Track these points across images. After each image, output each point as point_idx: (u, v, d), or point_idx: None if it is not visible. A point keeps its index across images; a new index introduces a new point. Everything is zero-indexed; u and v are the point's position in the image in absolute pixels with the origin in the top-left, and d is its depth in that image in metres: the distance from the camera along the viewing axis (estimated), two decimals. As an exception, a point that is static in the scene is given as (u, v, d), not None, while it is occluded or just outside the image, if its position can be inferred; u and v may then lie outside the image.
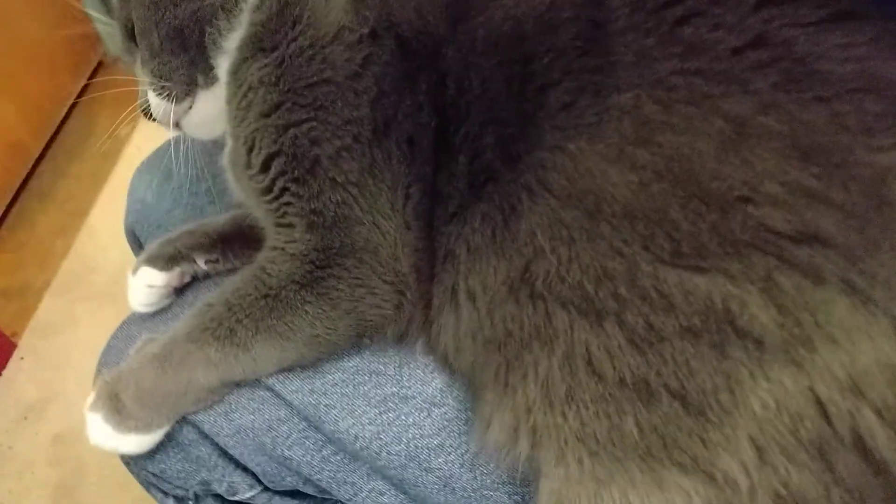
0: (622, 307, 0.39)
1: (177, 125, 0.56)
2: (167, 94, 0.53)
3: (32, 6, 1.80)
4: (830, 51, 0.39)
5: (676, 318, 0.38)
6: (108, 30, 0.62)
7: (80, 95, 1.85)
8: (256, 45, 0.52)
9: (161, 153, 0.73)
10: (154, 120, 0.56)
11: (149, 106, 0.56)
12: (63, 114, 1.86)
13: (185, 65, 0.53)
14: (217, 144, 0.59)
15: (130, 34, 0.55)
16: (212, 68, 0.54)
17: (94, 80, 1.91)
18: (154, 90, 0.54)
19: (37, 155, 1.77)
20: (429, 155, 0.48)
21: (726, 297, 0.36)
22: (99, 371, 0.59)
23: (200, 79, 0.54)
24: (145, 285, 0.58)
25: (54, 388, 1.35)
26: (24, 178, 1.73)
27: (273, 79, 0.50)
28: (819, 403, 0.35)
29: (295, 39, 0.51)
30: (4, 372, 1.38)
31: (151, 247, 0.60)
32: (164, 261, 0.59)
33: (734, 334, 0.36)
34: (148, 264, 0.58)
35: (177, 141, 0.69)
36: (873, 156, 0.36)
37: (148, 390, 0.50)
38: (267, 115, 0.50)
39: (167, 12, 0.52)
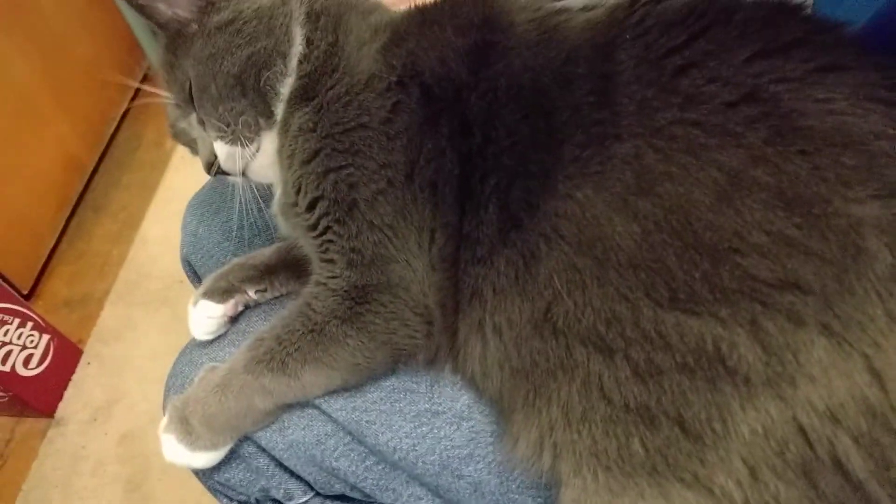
0: (628, 345, 0.43)
1: (243, 173, 0.60)
2: (235, 139, 0.57)
3: (82, 25, 1.89)
4: (812, 106, 0.41)
5: (673, 356, 0.42)
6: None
7: (127, 109, 1.94)
8: (301, 96, 0.57)
9: (210, 190, 0.80)
10: (215, 174, 0.61)
11: (209, 155, 0.60)
12: (113, 127, 1.96)
13: (247, 109, 0.57)
14: (264, 184, 0.65)
15: (189, 96, 0.59)
16: (271, 112, 0.58)
17: (140, 93, 2.00)
18: (222, 138, 0.58)
19: (91, 168, 1.87)
20: (452, 202, 0.52)
21: (717, 339, 0.40)
22: (166, 393, 0.65)
23: (262, 121, 0.58)
24: (205, 317, 0.64)
25: (119, 390, 1.44)
26: (81, 192, 1.83)
27: (312, 125, 0.55)
28: (802, 430, 0.39)
29: (332, 87, 0.56)
30: (73, 377, 1.48)
31: (207, 282, 0.66)
32: (220, 294, 0.65)
33: (724, 371, 0.40)
34: (206, 298, 0.64)
35: (223, 178, 0.76)
36: (850, 207, 0.39)
37: (213, 415, 0.56)
38: (308, 162, 0.55)
39: (224, 61, 0.56)
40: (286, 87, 0.58)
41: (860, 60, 0.43)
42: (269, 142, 0.59)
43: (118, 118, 1.98)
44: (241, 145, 0.58)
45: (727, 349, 0.40)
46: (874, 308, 0.37)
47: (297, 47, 0.58)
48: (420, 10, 0.59)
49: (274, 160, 0.60)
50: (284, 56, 0.58)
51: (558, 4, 0.57)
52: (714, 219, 0.42)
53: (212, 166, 0.60)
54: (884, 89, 0.42)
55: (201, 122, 0.60)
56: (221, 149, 0.59)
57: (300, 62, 0.58)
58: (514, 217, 0.50)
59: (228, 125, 0.57)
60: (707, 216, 0.42)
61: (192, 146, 0.64)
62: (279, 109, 0.58)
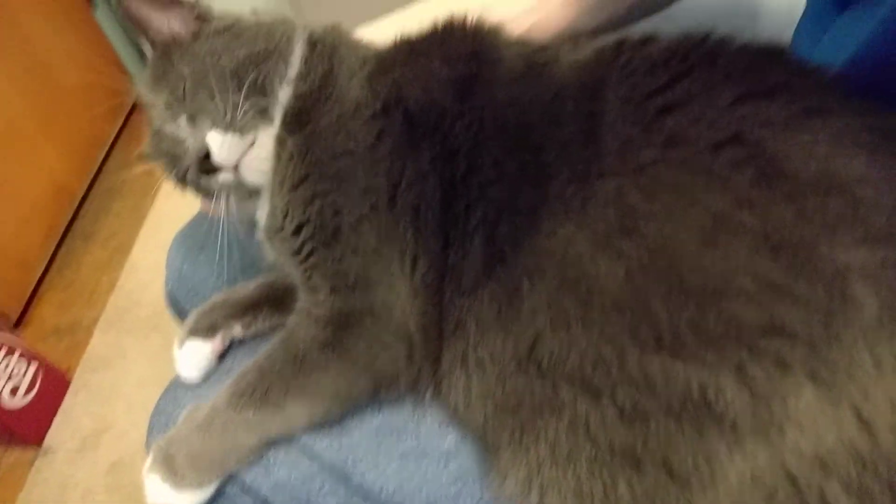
0: (614, 387, 0.43)
1: (235, 168, 0.58)
2: (231, 125, 0.56)
3: (70, 52, 1.89)
4: (797, 150, 0.41)
5: (659, 400, 0.41)
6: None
7: (117, 135, 1.94)
8: (295, 120, 0.57)
9: (194, 225, 0.79)
10: (202, 172, 0.58)
11: (200, 148, 0.57)
12: (103, 155, 1.96)
13: (243, 102, 0.57)
14: (246, 219, 0.64)
15: (182, 95, 0.58)
16: (268, 112, 0.58)
17: (130, 120, 2.00)
18: (216, 125, 0.56)
19: (80, 195, 1.87)
20: (434, 228, 0.52)
21: (703, 384, 0.39)
22: (150, 432, 0.64)
23: (258, 117, 0.57)
24: (195, 356, 0.64)
25: (107, 419, 1.43)
26: (70, 219, 1.82)
27: (303, 151, 0.56)
28: (790, 477, 0.38)
29: (324, 115, 0.56)
30: (62, 406, 1.47)
31: (190, 321, 0.65)
32: (206, 331, 0.64)
33: (711, 417, 0.39)
34: (192, 337, 0.63)
35: (207, 214, 0.75)
36: (836, 253, 0.38)
37: (197, 454, 0.56)
38: (296, 188, 0.55)
39: (223, 57, 0.57)
40: (284, 93, 0.58)
41: (843, 104, 0.44)
42: (265, 137, 0.58)
43: (108, 144, 1.98)
44: (238, 132, 0.57)
45: (714, 395, 0.39)
46: (862, 355, 0.37)
47: (297, 58, 0.59)
48: (408, 41, 0.59)
49: (268, 158, 0.59)
50: (285, 60, 0.58)
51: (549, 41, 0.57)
52: (699, 261, 0.41)
53: (199, 164, 0.58)
54: (867, 134, 0.41)
55: (191, 119, 0.59)
56: (215, 138, 0.57)
57: (299, 77, 0.58)
58: (499, 251, 0.49)
59: (225, 113, 0.57)
60: (692, 258, 0.42)
61: (171, 158, 0.62)
62: (276, 114, 0.58)
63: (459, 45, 0.56)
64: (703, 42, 0.49)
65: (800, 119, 0.43)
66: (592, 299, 0.44)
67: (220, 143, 0.57)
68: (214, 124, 0.57)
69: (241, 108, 0.56)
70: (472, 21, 0.58)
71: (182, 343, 0.64)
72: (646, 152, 0.45)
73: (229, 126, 0.57)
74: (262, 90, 0.57)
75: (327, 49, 0.60)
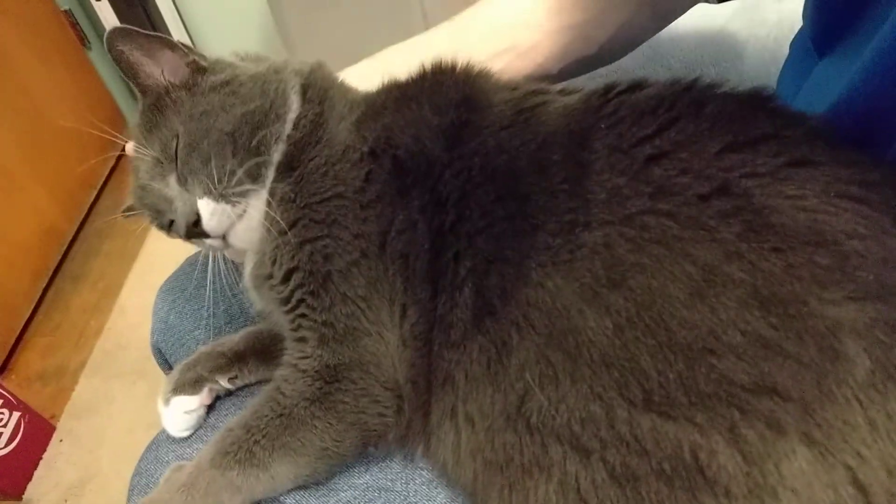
0: (603, 447, 0.41)
1: (223, 238, 0.57)
2: (223, 197, 0.55)
3: (63, 93, 1.90)
4: (784, 203, 0.41)
5: (650, 462, 0.39)
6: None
7: (108, 176, 1.93)
8: (287, 165, 0.56)
9: (181, 275, 0.78)
10: (191, 237, 0.57)
11: (190, 215, 0.56)
12: (93, 197, 1.95)
13: (237, 168, 0.55)
14: (234, 267, 0.64)
15: (173, 154, 0.56)
16: (260, 175, 0.56)
17: (121, 162, 2.00)
18: (209, 195, 0.55)
19: (70, 237, 1.86)
20: (423, 277, 0.51)
21: (694, 447, 0.38)
22: (130, 493, 0.62)
23: (250, 184, 0.56)
24: (182, 412, 0.62)
25: (92, 468, 1.39)
26: (59, 261, 1.80)
27: (292, 196, 0.55)
28: None
29: (313, 159, 0.56)
30: (45, 455, 1.43)
31: (174, 376, 0.63)
32: (191, 385, 0.62)
33: (703, 482, 0.38)
34: (178, 393, 0.62)
35: (194, 263, 0.74)
36: (826, 308, 0.38)
37: None
38: (285, 233, 0.54)
39: (219, 118, 0.56)
40: (278, 152, 0.57)
41: (830, 155, 0.43)
42: (255, 206, 0.57)
43: (98, 186, 1.97)
44: (230, 204, 0.56)
45: (706, 458, 0.38)
46: (855, 416, 0.36)
47: (293, 112, 0.58)
48: (398, 86, 0.59)
49: (258, 227, 0.58)
50: (281, 118, 0.57)
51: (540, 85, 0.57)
52: (688, 316, 0.40)
53: (188, 228, 0.56)
54: (855, 186, 0.41)
55: (182, 181, 0.57)
56: (206, 206, 0.56)
57: (292, 127, 0.57)
58: (488, 303, 0.48)
59: (219, 182, 0.55)
60: (681, 313, 0.41)
61: (156, 211, 0.61)
62: (269, 175, 0.57)
63: (449, 91, 0.56)
64: (690, 89, 0.49)
65: (786, 170, 0.42)
66: (581, 354, 0.43)
67: (210, 213, 0.55)
68: (206, 192, 0.55)
69: (236, 176, 0.55)
70: (461, 66, 0.58)
71: (167, 400, 0.62)
72: (633, 202, 0.45)
73: (221, 196, 0.55)
74: (257, 151, 0.56)
75: (318, 93, 0.60)
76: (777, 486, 0.37)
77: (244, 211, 0.56)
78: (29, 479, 1.39)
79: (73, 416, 1.50)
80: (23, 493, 1.37)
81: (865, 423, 0.36)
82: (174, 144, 0.56)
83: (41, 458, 1.42)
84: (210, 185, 0.55)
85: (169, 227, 0.61)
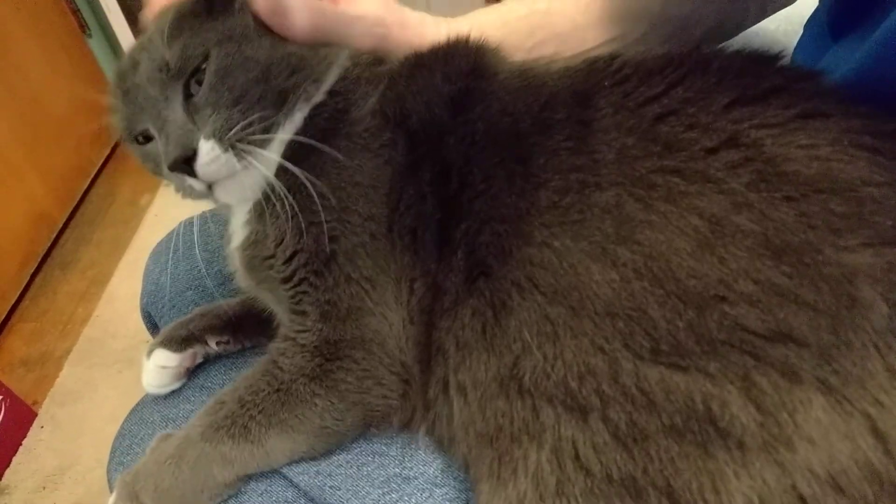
0: (605, 404, 0.40)
1: (210, 186, 0.51)
2: (231, 146, 0.48)
3: (61, 81, 1.89)
4: (796, 152, 0.40)
5: (659, 417, 0.38)
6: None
7: (103, 165, 1.92)
8: (301, 153, 0.51)
9: (175, 236, 0.75)
10: (176, 170, 0.50)
11: (187, 145, 0.48)
12: (87, 184, 1.94)
13: (256, 121, 0.49)
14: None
15: (192, 71, 0.49)
16: (272, 130, 0.50)
17: (117, 150, 1.99)
18: (217, 137, 0.48)
19: (61, 224, 1.84)
20: (431, 249, 0.50)
21: (706, 397, 0.37)
22: (112, 455, 0.60)
23: (259, 141, 0.50)
24: (159, 366, 0.60)
25: (72, 456, 1.36)
26: (48, 247, 1.78)
27: (302, 184, 0.50)
28: (802, 499, 0.35)
29: (335, 144, 0.51)
30: (25, 441, 1.40)
31: (166, 329, 0.62)
32: (178, 342, 0.60)
33: (716, 434, 0.36)
34: (162, 346, 0.60)
35: (189, 224, 0.72)
36: (841, 255, 0.37)
37: (167, 490, 0.51)
38: (294, 217, 0.50)
39: (260, 47, 0.50)
40: (299, 115, 0.52)
41: (842, 108, 0.42)
42: (259, 168, 0.50)
43: (93, 174, 1.96)
44: (237, 156, 0.49)
45: (718, 408, 0.37)
46: (874, 363, 0.35)
47: (332, 77, 0.54)
48: (416, 54, 0.57)
49: (252, 189, 0.53)
50: (318, 81, 0.53)
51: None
52: (697, 266, 0.39)
53: (175, 160, 0.49)
54: (868, 136, 0.40)
55: (192, 109, 0.50)
56: (210, 150, 0.48)
57: (314, 106, 0.53)
58: (482, 264, 0.47)
59: (233, 126, 0.48)
60: (689, 263, 0.39)
61: (134, 113, 0.52)
62: (286, 132, 0.52)
63: (462, 60, 0.54)
64: (697, 49, 0.48)
65: (798, 122, 0.41)
66: (584, 307, 0.41)
67: (211, 159, 0.49)
68: (214, 135, 0.48)
69: (252, 127, 0.49)
70: (475, 39, 0.57)
71: (150, 352, 0.60)
72: (643, 162, 0.44)
73: (230, 146, 0.49)
74: (279, 102, 0.50)
75: (354, 71, 0.55)
76: (793, 437, 0.35)
77: (246, 168, 0.50)
78: (7, 465, 1.36)
79: (55, 402, 1.47)
80: (0, 479, 1.33)
81: (884, 370, 0.35)
82: (197, 63, 0.49)
83: (21, 445, 1.39)
84: (224, 129, 0.48)
85: (136, 139, 0.53)
